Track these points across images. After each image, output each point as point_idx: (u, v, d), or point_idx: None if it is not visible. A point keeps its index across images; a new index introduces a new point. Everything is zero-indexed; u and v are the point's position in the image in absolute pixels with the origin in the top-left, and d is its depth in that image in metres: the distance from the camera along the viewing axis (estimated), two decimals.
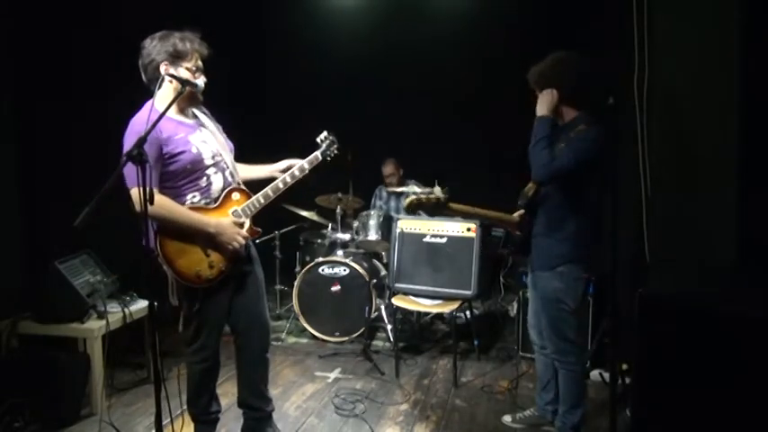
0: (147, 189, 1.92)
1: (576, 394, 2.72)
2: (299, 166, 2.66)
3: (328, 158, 2.78)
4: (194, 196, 2.44)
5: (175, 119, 2.43)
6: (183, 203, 2.40)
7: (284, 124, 5.58)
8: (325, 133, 2.79)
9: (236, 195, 2.53)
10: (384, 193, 5.31)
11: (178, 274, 2.39)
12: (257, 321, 2.65)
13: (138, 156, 1.95)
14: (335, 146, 2.79)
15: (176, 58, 2.35)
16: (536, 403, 3.09)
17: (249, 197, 2.54)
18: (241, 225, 2.49)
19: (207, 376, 2.63)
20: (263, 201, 2.56)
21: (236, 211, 2.50)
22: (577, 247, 2.61)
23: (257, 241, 2.80)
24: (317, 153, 2.73)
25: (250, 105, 5.86)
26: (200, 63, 2.42)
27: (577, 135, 2.53)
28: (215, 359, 2.61)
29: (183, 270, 2.39)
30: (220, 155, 2.51)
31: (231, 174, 2.55)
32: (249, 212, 2.53)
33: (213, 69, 2.49)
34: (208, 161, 2.45)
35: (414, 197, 2.66)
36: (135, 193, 2.21)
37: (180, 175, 2.39)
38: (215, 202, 2.48)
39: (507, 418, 3.12)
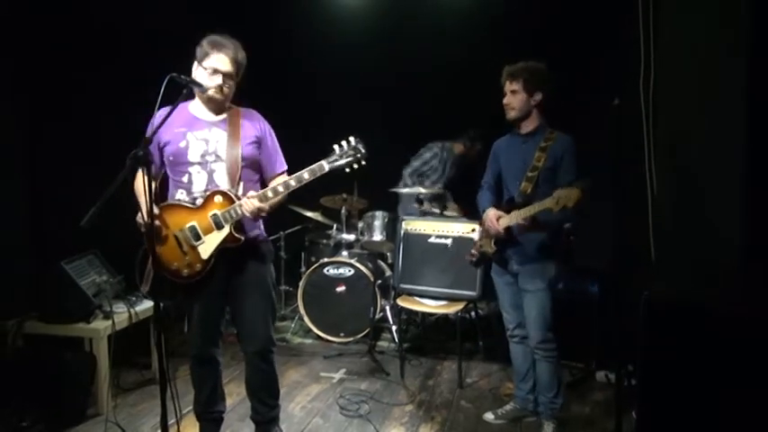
0: (152, 185, 1.98)
1: (559, 380, 2.89)
2: (284, 181, 2.41)
3: (347, 170, 2.38)
4: (181, 193, 2.47)
5: (193, 113, 2.50)
6: (173, 197, 2.48)
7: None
8: (351, 140, 2.37)
9: (218, 198, 2.40)
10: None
11: (155, 260, 2.35)
12: (250, 331, 2.60)
13: (142, 157, 1.96)
14: (359, 156, 2.36)
15: (201, 59, 2.42)
16: (515, 396, 3.13)
17: (232, 202, 2.39)
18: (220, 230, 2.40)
19: (198, 373, 2.64)
20: None
21: (215, 214, 2.39)
22: (560, 240, 2.92)
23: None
24: (323, 163, 2.37)
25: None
26: (219, 65, 2.38)
27: (558, 148, 2.73)
28: (203, 357, 2.61)
29: (160, 257, 2.39)
30: (215, 156, 2.44)
31: (223, 176, 2.45)
32: (230, 218, 2.38)
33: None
34: (193, 158, 2.44)
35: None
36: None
37: (168, 166, 2.49)
38: (196, 203, 2.43)
39: (489, 416, 3.16)
